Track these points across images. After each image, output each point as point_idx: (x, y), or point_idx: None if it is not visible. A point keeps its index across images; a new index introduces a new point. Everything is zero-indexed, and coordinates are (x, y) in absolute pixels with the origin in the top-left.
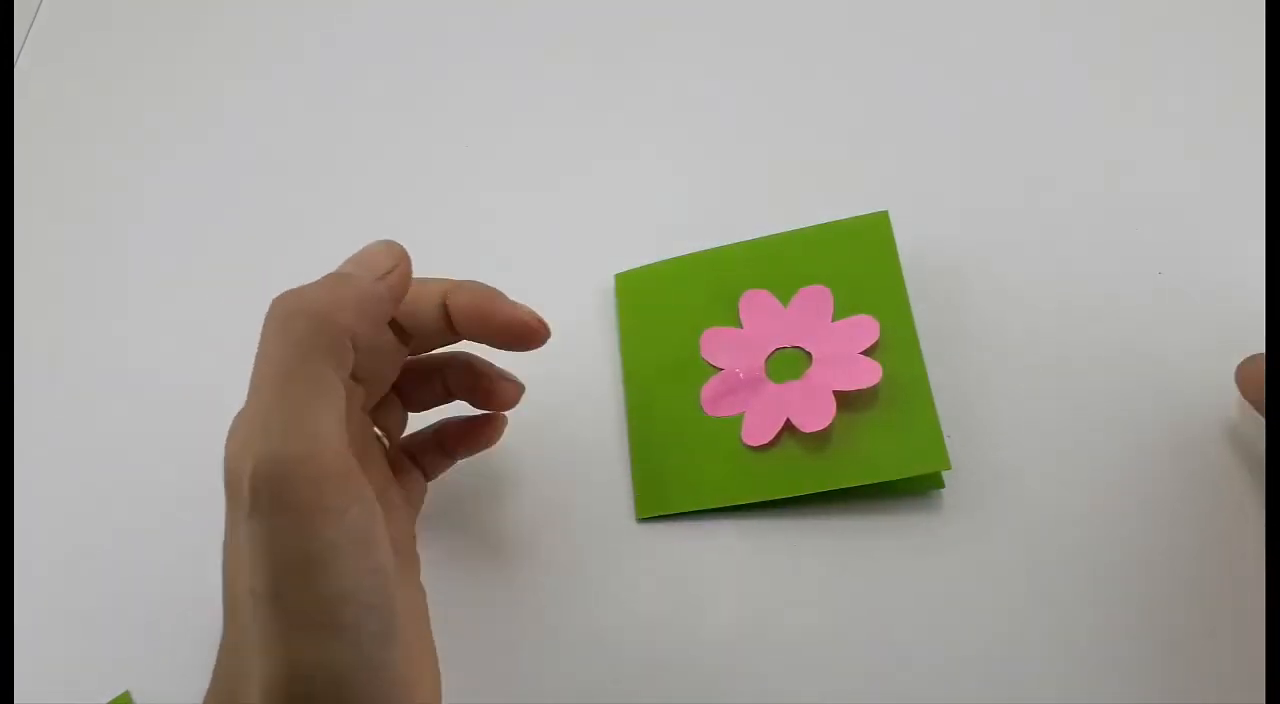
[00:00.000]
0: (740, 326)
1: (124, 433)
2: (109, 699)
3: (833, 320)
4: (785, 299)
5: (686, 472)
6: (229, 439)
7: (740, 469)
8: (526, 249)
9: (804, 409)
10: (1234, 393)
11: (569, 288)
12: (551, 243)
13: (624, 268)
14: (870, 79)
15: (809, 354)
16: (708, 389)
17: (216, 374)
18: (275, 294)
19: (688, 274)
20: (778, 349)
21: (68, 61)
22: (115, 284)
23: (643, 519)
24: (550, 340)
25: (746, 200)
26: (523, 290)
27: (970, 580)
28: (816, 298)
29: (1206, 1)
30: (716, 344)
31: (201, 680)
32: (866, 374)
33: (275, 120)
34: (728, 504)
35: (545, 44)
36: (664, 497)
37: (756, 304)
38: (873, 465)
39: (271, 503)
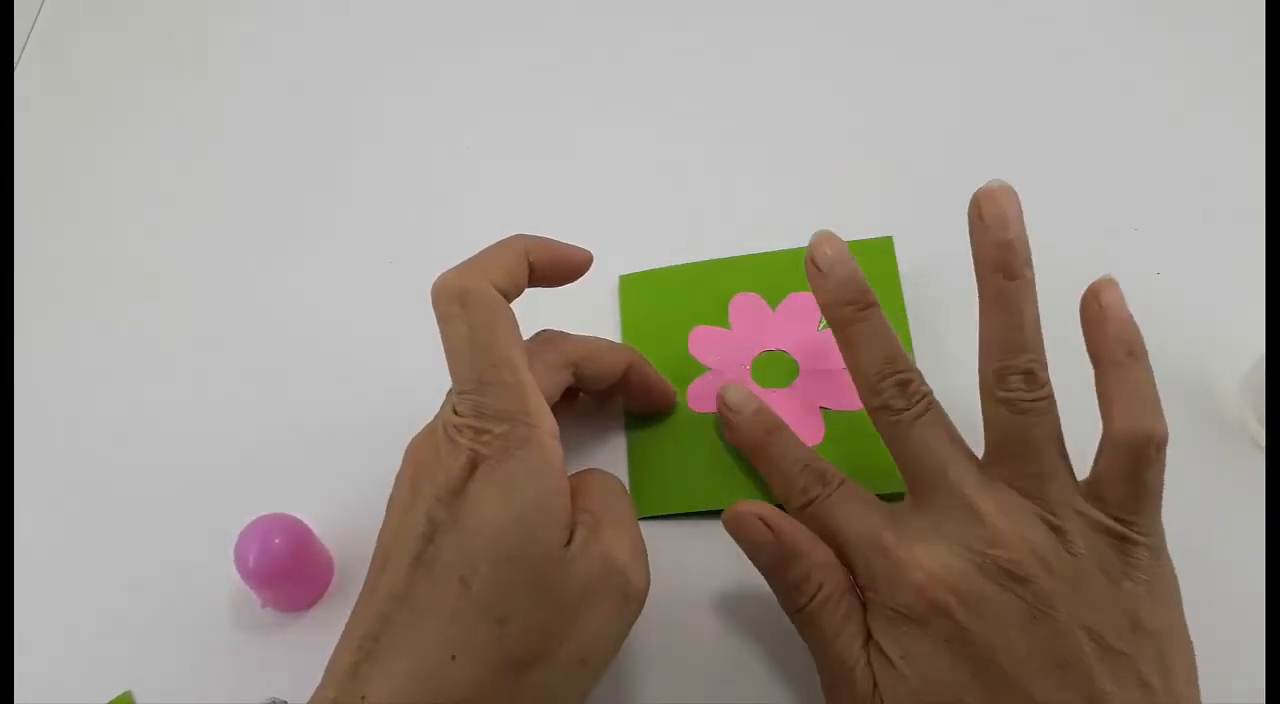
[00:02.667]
0: (729, 328)
1: (124, 433)
2: (109, 699)
3: (819, 329)
4: (774, 303)
5: (680, 471)
6: None
7: (729, 471)
8: None
9: (793, 421)
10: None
11: (574, 288)
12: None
13: (629, 271)
14: (886, 104)
15: (795, 361)
16: (694, 386)
17: (216, 374)
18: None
19: (688, 279)
20: (764, 351)
21: (68, 61)
22: (115, 283)
23: (640, 518)
24: None
25: (755, 217)
26: (528, 289)
27: None
28: (804, 304)
29: (1204, 5)
30: (704, 342)
31: (201, 680)
32: (855, 397)
33: (277, 120)
34: (720, 507)
35: (560, 47)
36: (659, 496)
37: (746, 306)
38: (865, 478)
39: None
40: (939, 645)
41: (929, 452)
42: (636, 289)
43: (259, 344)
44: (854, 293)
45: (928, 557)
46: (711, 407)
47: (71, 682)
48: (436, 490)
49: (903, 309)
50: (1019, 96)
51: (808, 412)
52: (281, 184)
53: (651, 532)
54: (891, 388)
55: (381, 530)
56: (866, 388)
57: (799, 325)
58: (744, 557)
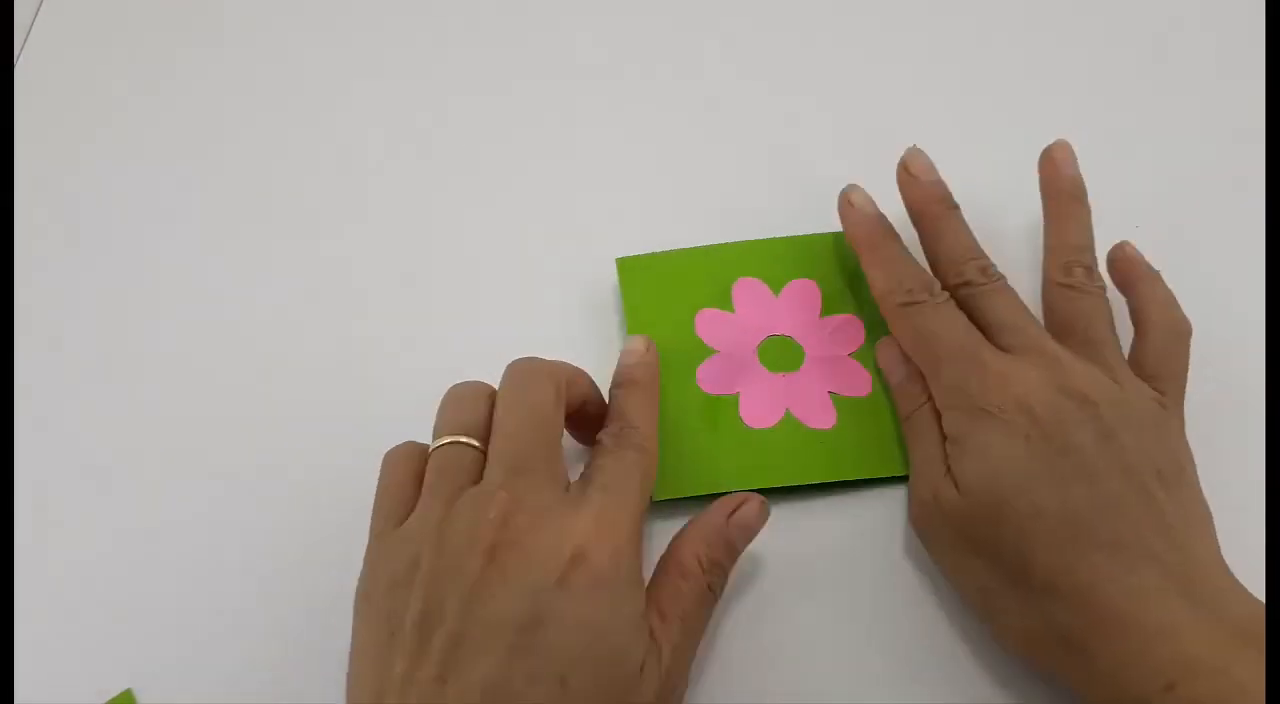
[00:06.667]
0: (734, 312)
1: (125, 430)
2: (109, 699)
3: (820, 316)
4: (777, 289)
5: (696, 453)
6: None
7: (747, 452)
8: (532, 239)
9: (806, 405)
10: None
11: (572, 272)
12: (558, 232)
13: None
14: (883, 85)
15: (800, 347)
16: (703, 368)
17: (218, 372)
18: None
19: (688, 264)
20: (770, 336)
21: (68, 61)
22: (116, 284)
23: (657, 501)
24: (559, 325)
25: (756, 205)
26: (531, 276)
27: None
28: (805, 291)
29: (1204, 3)
30: (711, 324)
31: (202, 679)
32: (860, 383)
33: (277, 120)
34: (740, 489)
35: (556, 36)
36: (676, 479)
37: (749, 291)
38: (879, 458)
39: None
40: (1016, 439)
41: (1011, 313)
42: (636, 272)
43: (258, 342)
44: (942, 192)
45: (1019, 374)
46: (722, 388)
47: (71, 681)
48: (541, 579)
49: None
50: (1018, 94)
51: (819, 395)
52: (283, 182)
53: (667, 514)
54: (973, 268)
55: (411, 598)
56: (950, 268)
57: (801, 312)
58: (771, 537)
